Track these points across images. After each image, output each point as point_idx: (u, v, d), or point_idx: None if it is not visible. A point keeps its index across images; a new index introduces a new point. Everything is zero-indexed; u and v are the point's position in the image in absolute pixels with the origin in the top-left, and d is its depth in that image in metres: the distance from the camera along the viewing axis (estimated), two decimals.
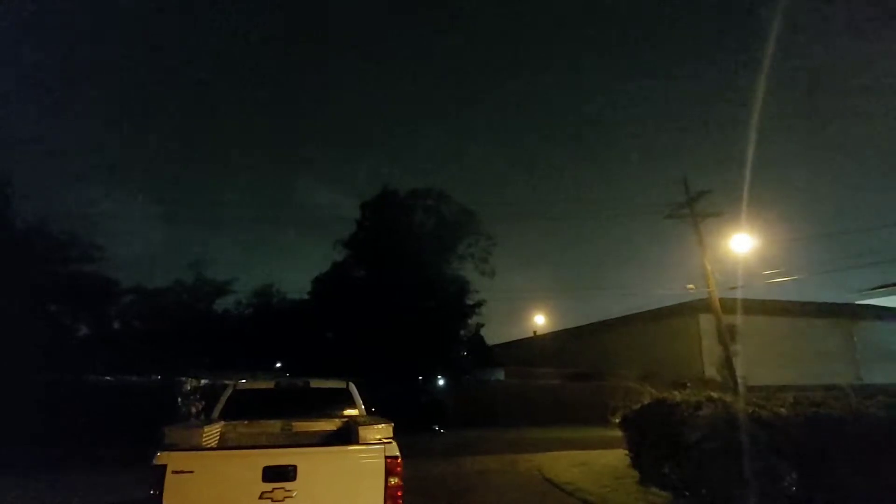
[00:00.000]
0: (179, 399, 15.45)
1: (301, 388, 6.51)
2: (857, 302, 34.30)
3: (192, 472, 4.01)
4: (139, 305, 27.94)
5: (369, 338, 23.08)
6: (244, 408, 6.08)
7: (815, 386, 11.32)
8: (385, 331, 22.87)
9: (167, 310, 27.79)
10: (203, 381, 16.59)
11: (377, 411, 6.78)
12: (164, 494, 3.91)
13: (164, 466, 3.96)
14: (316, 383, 6.65)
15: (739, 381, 18.06)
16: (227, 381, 8.79)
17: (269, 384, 6.68)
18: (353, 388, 6.61)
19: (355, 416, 5.99)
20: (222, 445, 5.49)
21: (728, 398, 7.63)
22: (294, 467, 4.13)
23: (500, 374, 29.12)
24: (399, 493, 4.27)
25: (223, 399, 6.23)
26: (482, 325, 28.47)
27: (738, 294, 21.09)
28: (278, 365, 29.25)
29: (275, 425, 5.92)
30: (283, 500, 4.06)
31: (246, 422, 5.92)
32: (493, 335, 37.57)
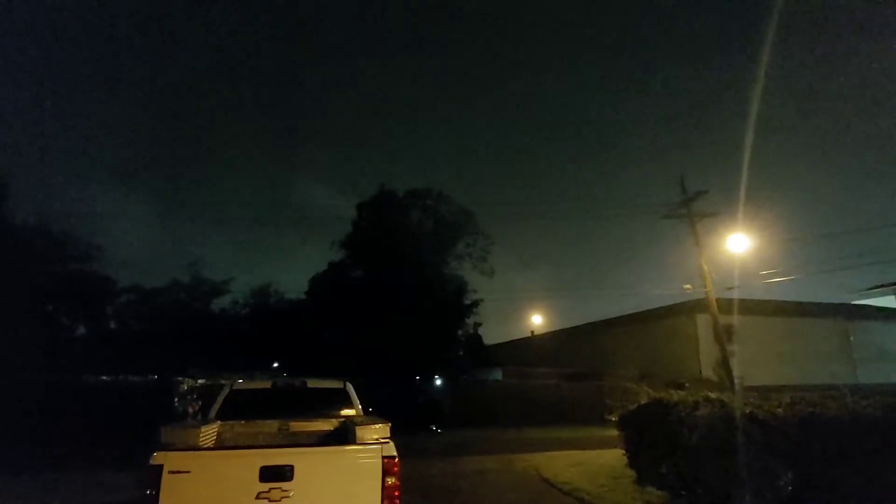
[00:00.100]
0: (176, 399, 15.39)
1: (298, 388, 6.49)
2: (854, 302, 34.40)
3: (188, 472, 4.00)
4: (136, 305, 27.92)
5: (367, 338, 23.07)
6: (241, 408, 6.07)
7: (812, 386, 11.34)
8: (383, 331, 22.86)
9: (164, 309, 27.76)
10: (200, 381, 16.54)
11: (374, 411, 6.77)
12: (161, 494, 3.90)
13: (161, 466, 3.96)
14: (313, 383, 6.64)
15: (736, 380, 18.10)
16: (224, 381, 8.76)
17: (267, 384, 6.66)
18: (350, 388, 6.60)
19: (352, 416, 5.98)
20: (219, 445, 5.48)
21: (725, 398, 7.64)
22: (291, 467, 4.13)
23: (498, 374, 29.14)
24: (396, 493, 4.26)
25: (220, 399, 6.21)
26: (480, 325, 28.52)
27: (735, 294, 21.14)
28: (275, 365, 29.24)
29: (272, 425, 5.90)
30: (279, 500, 4.06)
31: (243, 422, 5.90)
32: (491, 335, 37.67)
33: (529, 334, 40.18)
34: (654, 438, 8.23)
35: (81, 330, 25.30)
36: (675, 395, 8.45)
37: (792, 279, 22.41)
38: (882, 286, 35.93)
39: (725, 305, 20.67)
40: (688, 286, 21.05)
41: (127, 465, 6.95)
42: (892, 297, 35.34)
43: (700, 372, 22.83)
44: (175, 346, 22.87)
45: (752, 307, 24.10)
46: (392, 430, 4.66)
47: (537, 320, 39.99)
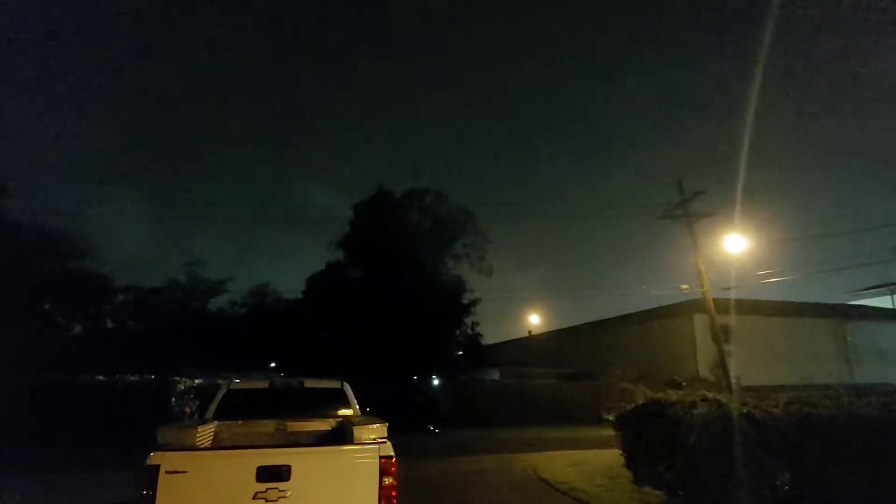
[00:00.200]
0: (174, 399, 15.36)
1: (295, 388, 6.47)
2: (850, 302, 34.54)
3: (185, 472, 3.99)
4: (134, 305, 27.89)
5: (364, 337, 23.06)
6: (238, 407, 6.05)
7: (809, 386, 11.38)
8: (380, 331, 22.85)
9: (162, 309, 27.72)
10: (197, 381, 16.51)
11: (372, 411, 6.77)
12: (158, 495, 3.89)
13: (158, 466, 3.94)
14: (310, 383, 6.62)
15: (733, 380, 18.12)
16: (221, 381, 8.73)
17: (264, 384, 6.62)
18: (347, 388, 6.59)
19: (350, 416, 5.97)
20: (216, 445, 5.46)
21: (722, 398, 7.65)
22: (288, 467, 4.12)
23: (496, 374, 29.14)
24: (393, 493, 4.26)
25: (217, 399, 6.18)
26: (478, 325, 28.54)
27: (732, 294, 21.18)
28: (273, 364, 29.21)
29: (269, 425, 5.89)
30: (276, 501, 4.05)
31: (240, 422, 5.88)
32: (489, 335, 37.61)
33: (527, 334, 40.22)
34: (651, 438, 8.24)
35: (78, 329, 25.26)
36: (673, 396, 8.47)
37: (789, 279, 22.50)
38: (878, 286, 36.11)
39: (722, 305, 20.69)
40: (685, 286, 21.12)
41: (124, 465, 6.91)
42: (889, 297, 35.53)
43: (697, 372, 22.85)
44: (172, 345, 22.84)
45: (749, 307, 24.16)
46: (389, 430, 4.65)
47: (535, 320, 40.09)
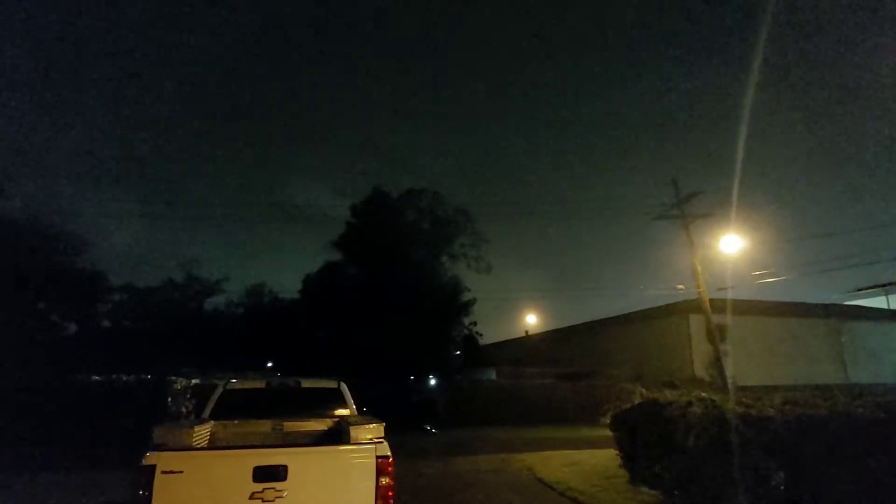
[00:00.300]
0: (170, 399, 15.31)
1: (292, 388, 6.45)
2: (845, 302, 34.69)
3: (181, 472, 3.98)
4: (130, 304, 27.81)
5: (361, 337, 23.05)
6: (235, 407, 6.04)
7: (804, 386, 11.45)
8: (377, 330, 22.85)
9: (158, 309, 27.67)
10: (194, 381, 16.46)
11: (369, 411, 6.76)
12: (154, 495, 3.88)
13: (154, 467, 3.93)
14: (307, 383, 6.60)
15: (729, 380, 18.21)
16: (217, 381, 8.71)
17: (260, 384, 6.61)
18: (344, 388, 6.58)
19: (346, 416, 5.97)
20: (212, 445, 5.46)
21: (718, 398, 7.68)
22: (285, 467, 4.12)
23: (492, 374, 29.16)
24: (390, 493, 4.26)
25: (214, 399, 6.17)
26: (475, 325, 28.57)
27: (728, 294, 21.27)
28: (269, 364, 29.17)
29: (265, 425, 5.89)
30: (273, 501, 4.04)
31: (236, 421, 5.88)
32: (486, 335, 37.65)
33: (524, 334, 40.25)
34: (647, 438, 8.26)
35: (73, 329, 25.17)
36: (669, 395, 8.49)
37: (784, 279, 22.59)
38: (873, 287, 36.29)
39: (718, 306, 20.78)
40: (681, 286, 21.19)
41: (120, 465, 6.90)
42: (883, 297, 35.72)
43: (693, 372, 22.92)
44: (169, 345, 22.79)
45: (744, 307, 24.25)
46: (386, 430, 4.66)
47: (531, 320, 40.11)
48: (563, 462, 11.38)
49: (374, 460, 4.28)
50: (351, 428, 4.59)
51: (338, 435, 5.41)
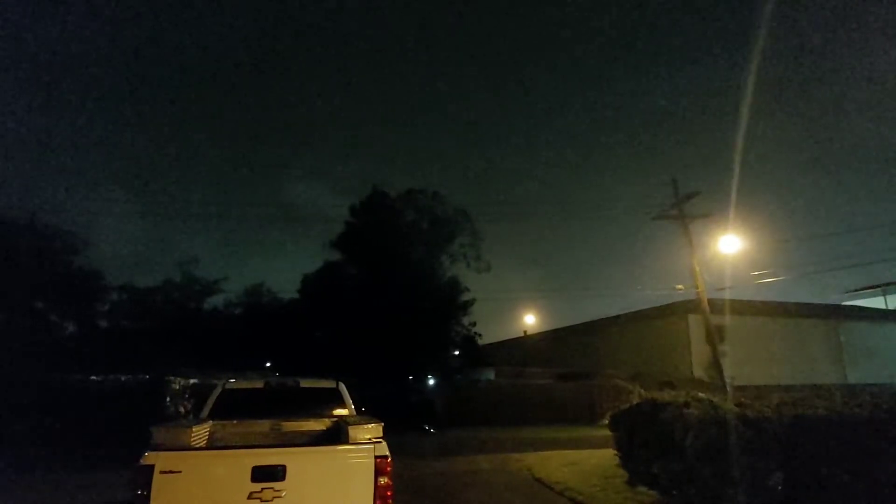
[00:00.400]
0: (168, 398, 15.30)
1: (291, 388, 6.46)
2: (844, 303, 34.76)
3: (180, 472, 3.98)
4: (129, 304, 27.78)
5: (360, 337, 23.04)
6: (233, 407, 6.04)
7: (802, 386, 11.46)
8: (376, 330, 22.84)
9: (157, 309, 27.64)
10: (192, 381, 16.45)
11: (367, 411, 6.76)
12: (152, 495, 3.88)
13: (152, 466, 3.93)
14: (306, 383, 6.61)
15: (727, 380, 18.21)
16: (216, 381, 8.71)
17: (259, 383, 6.61)
18: (342, 388, 6.58)
19: (345, 416, 5.97)
20: (211, 445, 5.45)
21: (716, 398, 7.69)
22: (283, 467, 4.12)
23: (491, 374, 29.17)
24: (389, 493, 4.26)
25: (212, 398, 6.17)
26: (474, 325, 28.56)
27: (727, 295, 21.30)
28: (268, 364, 29.18)
29: (264, 425, 5.88)
30: (271, 500, 4.04)
31: (235, 421, 5.88)
32: (484, 335, 37.65)
33: (522, 334, 40.26)
34: (645, 438, 8.26)
35: (72, 328, 25.15)
36: (667, 396, 8.49)
37: (782, 280, 22.63)
38: (871, 287, 36.36)
39: (717, 306, 20.81)
40: (679, 286, 21.19)
41: (119, 465, 6.89)
42: (881, 297, 35.79)
43: (692, 372, 22.95)
44: (167, 345, 22.77)
45: (743, 308, 24.28)
46: (385, 430, 4.66)
47: (530, 320, 40.13)
48: (561, 462, 11.38)
49: (372, 460, 4.28)
50: (349, 428, 4.59)
51: (336, 435, 5.41)
